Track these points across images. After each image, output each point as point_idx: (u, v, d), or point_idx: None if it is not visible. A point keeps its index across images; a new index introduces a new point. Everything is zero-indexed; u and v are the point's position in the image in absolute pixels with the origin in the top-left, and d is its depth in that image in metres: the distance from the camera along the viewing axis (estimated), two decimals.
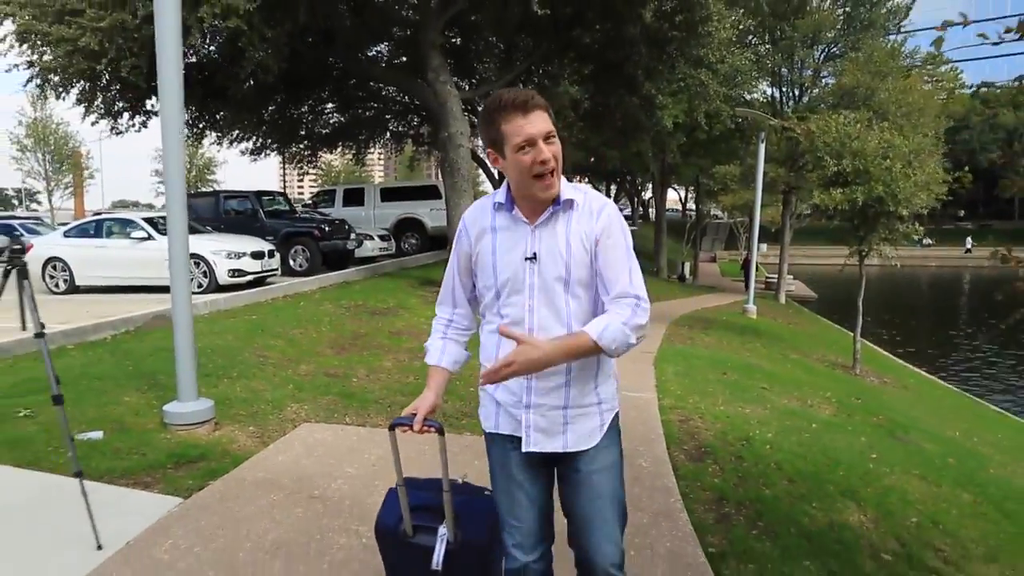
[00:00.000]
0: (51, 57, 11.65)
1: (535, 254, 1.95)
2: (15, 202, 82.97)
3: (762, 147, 16.82)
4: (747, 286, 19.66)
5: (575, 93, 16.87)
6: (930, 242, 49.66)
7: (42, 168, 39.45)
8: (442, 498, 2.12)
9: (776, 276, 26.99)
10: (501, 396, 2.04)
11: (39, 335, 3.36)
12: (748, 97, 24.61)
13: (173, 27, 4.84)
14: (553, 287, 1.94)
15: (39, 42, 12.22)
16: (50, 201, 41.20)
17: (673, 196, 52.85)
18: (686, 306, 18.28)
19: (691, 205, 44.80)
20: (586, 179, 48.25)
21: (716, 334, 13.08)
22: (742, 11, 18.22)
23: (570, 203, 1.96)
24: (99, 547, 3.16)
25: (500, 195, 2.02)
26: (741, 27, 15.07)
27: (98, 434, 4.64)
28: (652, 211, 49.93)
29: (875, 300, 32.62)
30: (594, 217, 1.96)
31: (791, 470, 5.16)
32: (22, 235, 25.87)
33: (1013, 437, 10.35)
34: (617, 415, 2.12)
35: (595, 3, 13.50)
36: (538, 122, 1.86)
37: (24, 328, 3.39)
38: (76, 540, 3.20)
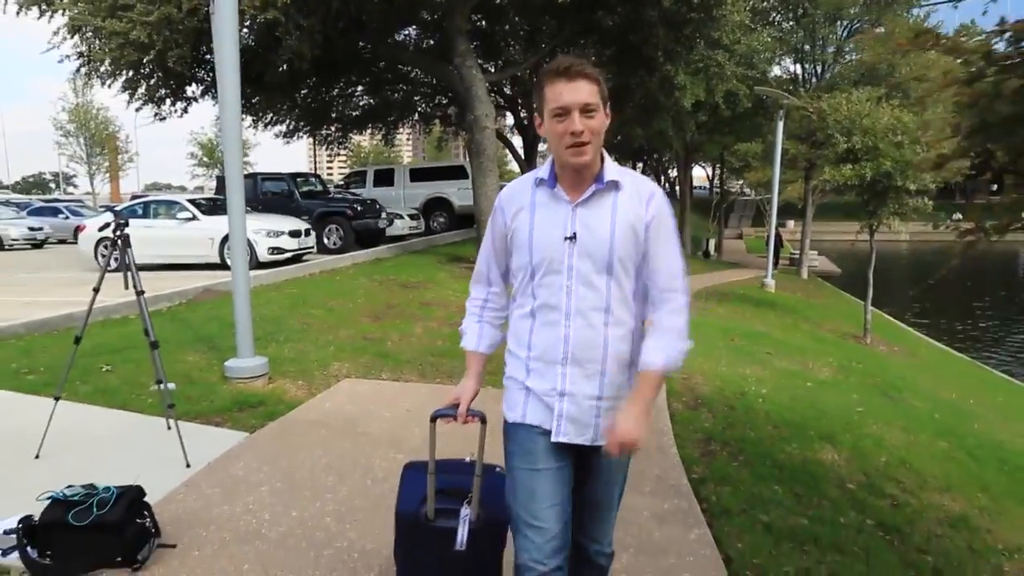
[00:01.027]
0: (103, 49, 12.41)
1: (575, 234, 1.87)
2: (52, 185, 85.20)
3: (780, 124, 17.18)
4: (771, 264, 20.07)
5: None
6: (959, 217, 49.18)
7: (83, 152, 40.87)
8: (459, 480, 2.18)
9: (798, 252, 27.27)
10: (535, 383, 1.96)
11: (140, 293, 4.07)
12: (771, 74, 24.82)
13: (230, 22, 5.53)
14: (593, 270, 1.87)
15: (91, 34, 13.06)
16: (91, 184, 42.73)
17: (701, 173, 52.96)
18: (706, 281, 18.77)
19: (718, 182, 44.88)
20: (613, 157, 48.56)
21: (731, 306, 13.62)
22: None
23: (615, 184, 1.90)
24: (188, 465, 3.91)
25: (543, 170, 1.96)
26: (757, 9, 15.36)
27: (172, 385, 5.38)
28: (688, 189, 50.07)
29: (903, 275, 32.69)
30: (643, 201, 1.90)
31: (778, 418, 5.78)
32: (68, 217, 27.06)
33: (1012, 401, 10.80)
34: None
35: None
36: (579, 92, 1.79)
37: (127, 288, 4.10)
38: (169, 460, 3.94)
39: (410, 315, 8.75)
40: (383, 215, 16.78)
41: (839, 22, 24.38)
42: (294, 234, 13.55)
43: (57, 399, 4.09)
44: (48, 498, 2.90)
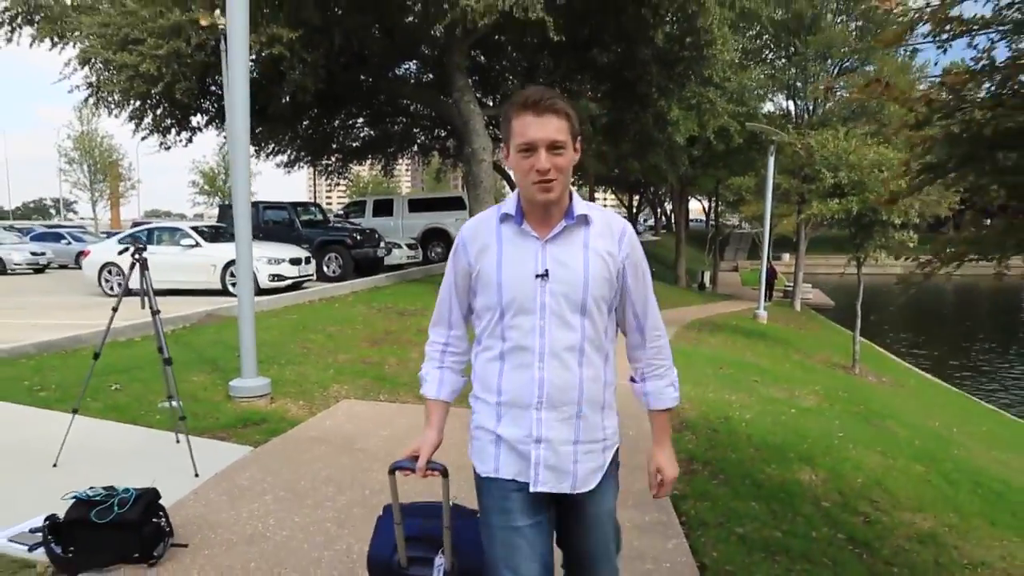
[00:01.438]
0: (114, 80, 12.80)
1: (547, 271, 1.79)
2: (52, 211, 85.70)
3: (771, 160, 17.61)
4: (763, 295, 20.39)
5: (593, 109, 17.84)
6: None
7: (87, 179, 41.42)
8: (434, 526, 2.09)
9: (792, 284, 27.62)
10: (507, 431, 1.85)
11: (155, 313, 4.34)
12: (764, 110, 25.40)
13: (241, 61, 5.86)
14: (566, 308, 1.80)
15: (101, 66, 13.47)
16: (94, 211, 43.18)
17: (698, 207, 53.55)
18: (700, 312, 19.05)
19: (714, 216, 45.43)
20: (610, 190, 49.23)
21: (722, 336, 13.88)
22: (748, 34, 19.14)
23: (585, 219, 1.84)
24: (196, 475, 4.14)
25: (509, 204, 1.87)
26: (747, 49, 15.89)
27: (176, 403, 5.63)
28: (683, 222, 50.64)
29: (899, 309, 32.92)
30: (615, 237, 1.85)
31: (759, 441, 6.02)
32: (70, 242, 27.34)
33: (997, 431, 11.03)
34: (618, 451, 2.00)
35: (609, 26, 14.52)
36: (546, 128, 1.72)
37: (143, 308, 4.37)
38: (178, 471, 4.17)
39: (407, 341, 9.00)
40: (382, 244, 17.08)
41: (829, 60, 25.02)
42: (295, 262, 13.83)
43: (75, 411, 4.34)
44: (72, 498, 3.14)
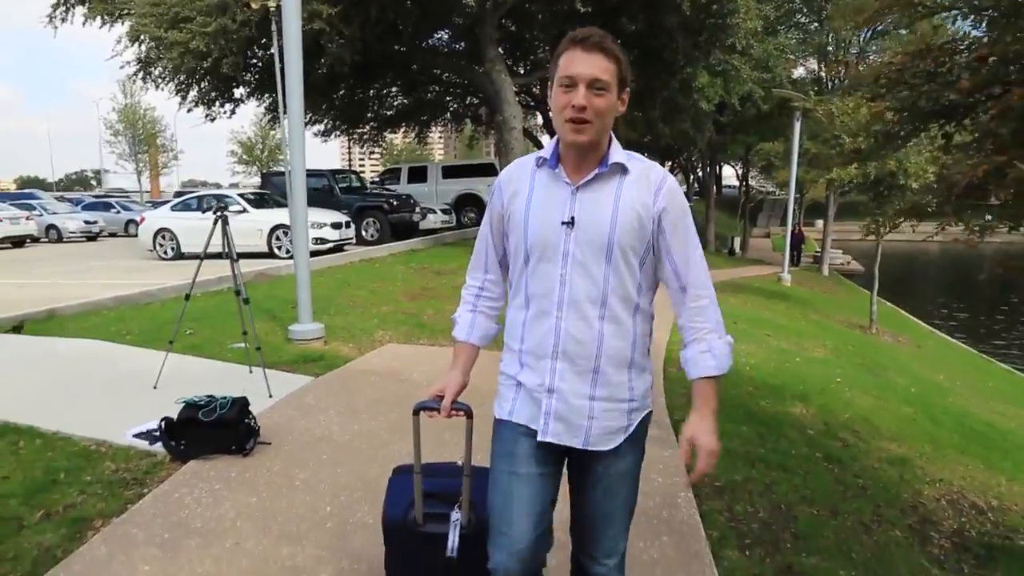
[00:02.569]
0: (165, 57, 13.62)
1: (573, 218, 1.74)
2: (93, 182, 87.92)
3: (797, 125, 17.93)
4: (787, 258, 20.81)
5: None
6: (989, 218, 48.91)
7: (131, 150, 42.88)
8: (448, 483, 2.07)
9: (821, 250, 27.89)
10: (526, 378, 1.84)
11: (235, 260, 5.13)
12: (796, 75, 25.47)
13: (295, 40, 6.58)
14: (591, 257, 1.74)
15: (152, 43, 14.30)
16: (139, 181, 44.71)
17: (732, 172, 53.38)
18: (726, 275, 19.54)
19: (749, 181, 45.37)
20: (643, 155, 49.18)
21: (744, 296, 14.45)
22: (770, 4, 19.35)
23: (620, 167, 1.77)
24: (270, 395, 4.96)
25: (547, 149, 1.83)
26: (772, 17, 16.17)
27: (243, 344, 6.47)
28: (714, 188, 50.58)
29: (936, 277, 32.80)
30: (652, 188, 1.77)
31: (759, 382, 6.69)
32: (119, 211, 28.51)
33: (1004, 387, 11.51)
34: (648, 416, 1.93)
35: None
36: (592, 65, 1.66)
37: (224, 256, 5.16)
38: (255, 393, 4.96)
39: (443, 296, 9.77)
40: (417, 209, 17.84)
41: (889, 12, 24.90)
42: (336, 226, 14.67)
43: (171, 343, 5.21)
44: (183, 402, 3.96)
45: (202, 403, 3.93)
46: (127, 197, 38.12)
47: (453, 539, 2.01)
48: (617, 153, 1.78)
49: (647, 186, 1.77)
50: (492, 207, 1.94)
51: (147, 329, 7.09)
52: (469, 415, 1.94)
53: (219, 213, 5.25)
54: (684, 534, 3.40)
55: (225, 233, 5.22)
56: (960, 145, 3.73)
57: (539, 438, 1.81)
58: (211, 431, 3.88)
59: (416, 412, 1.97)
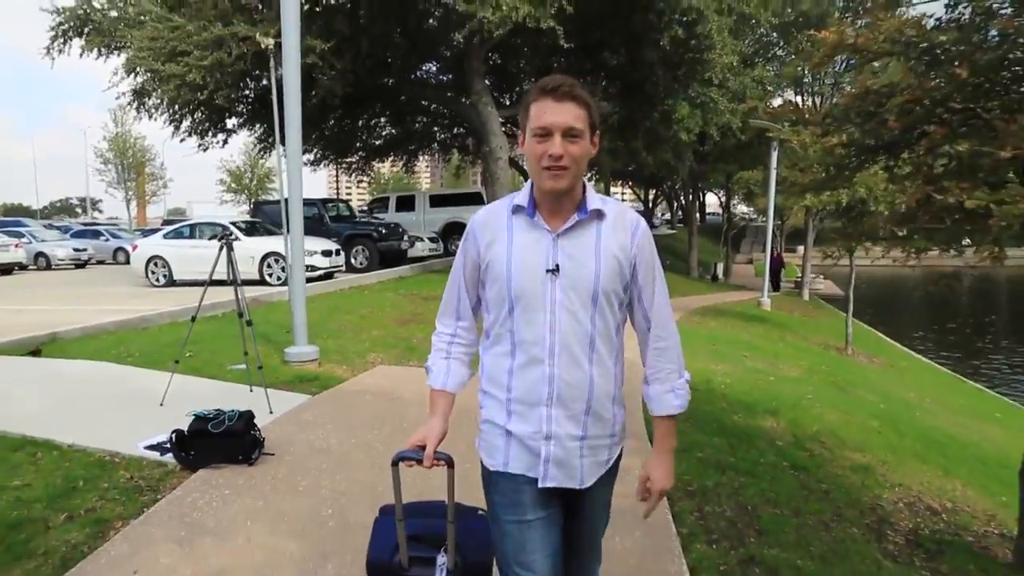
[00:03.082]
0: (162, 88, 14.02)
1: (557, 266, 1.77)
2: (78, 210, 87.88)
3: (774, 154, 18.50)
4: (769, 283, 21.30)
5: (605, 107, 18.89)
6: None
7: (121, 178, 43.17)
8: (434, 524, 2.07)
9: (801, 275, 28.47)
10: (517, 427, 1.85)
11: (238, 285, 5.45)
12: (776, 103, 26.19)
13: (294, 80, 6.97)
14: (578, 303, 1.78)
15: (148, 74, 14.70)
16: (128, 209, 44.91)
17: (716, 200, 54.26)
18: (708, 300, 20.01)
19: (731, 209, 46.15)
20: (627, 184, 50.20)
21: (723, 320, 14.87)
22: (758, 31, 20.08)
23: (599, 213, 1.81)
24: (271, 412, 5.27)
25: (521, 196, 1.84)
26: (746, 53, 16.83)
27: (243, 366, 6.77)
28: (696, 215, 51.38)
29: (926, 300, 33.15)
30: (628, 231, 1.83)
31: (733, 399, 7.05)
32: (108, 239, 28.67)
33: (972, 405, 11.92)
34: (621, 451, 2.01)
35: (618, 30, 15.53)
36: (564, 114, 1.71)
37: (228, 281, 5.48)
38: (256, 410, 5.24)
39: (432, 321, 9.87)
40: (405, 238, 18.21)
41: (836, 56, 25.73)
42: (326, 253, 15.00)
43: (177, 362, 5.52)
44: (193, 415, 4.26)
45: (211, 416, 4.24)
46: (115, 225, 38.32)
47: None
48: (594, 199, 1.81)
49: (623, 230, 1.82)
50: (466, 253, 1.92)
51: (147, 351, 7.37)
52: (451, 465, 1.91)
53: (224, 240, 5.57)
54: (656, 529, 3.73)
55: (230, 260, 5.54)
56: (901, 176, 4.14)
57: (540, 484, 1.83)
58: (219, 441, 4.18)
59: (395, 463, 1.91)
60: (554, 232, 1.78)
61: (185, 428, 4.24)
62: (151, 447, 4.40)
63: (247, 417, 4.32)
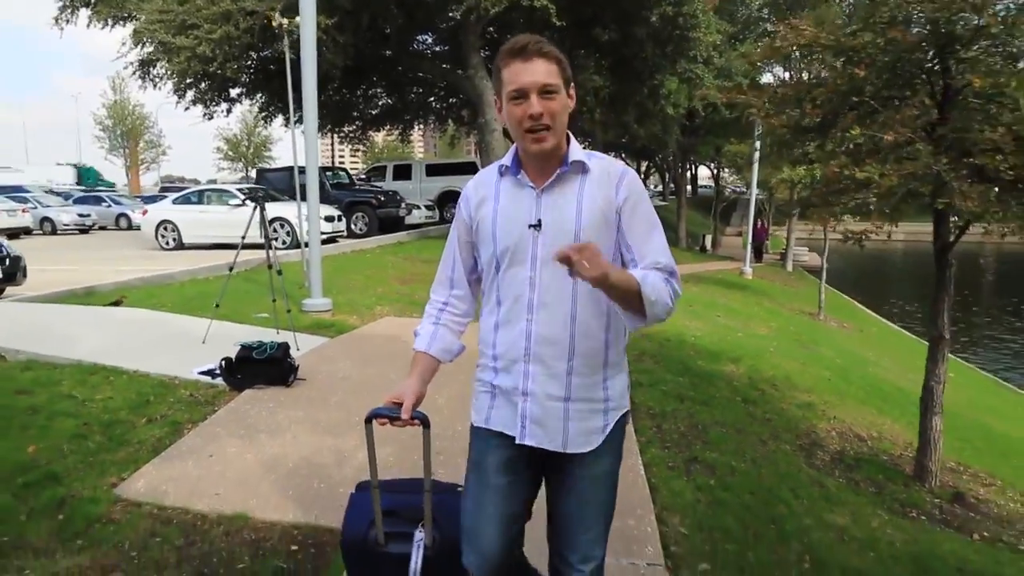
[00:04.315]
0: (171, 60, 14.67)
1: (539, 221, 1.77)
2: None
3: (758, 129, 19.28)
4: (749, 253, 22.22)
5: (597, 81, 19.61)
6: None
7: (120, 145, 43.69)
8: (412, 500, 2.01)
9: (786, 248, 29.40)
10: (502, 380, 1.84)
11: (269, 240, 6.28)
12: (766, 79, 26.88)
13: (311, 59, 7.74)
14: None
15: (157, 46, 15.33)
16: (127, 175, 45.49)
17: (708, 173, 55.00)
18: (692, 268, 20.86)
19: (722, 181, 46.89)
20: (621, 156, 50.86)
21: (704, 286, 15.77)
22: (752, 4, 20.79)
23: (581, 165, 1.78)
24: (298, 349, 6.12)
25: (508, 157, 1.84)
26: (731, 32, 17.58)
27: (266, 314, 7.63)
28: (686, 187, 52.07)
29: (901, 275, 34.05)
30: (612, 183, 1.78)
31: (701, 348, 7.95)
32: (110, 205, 29.24)
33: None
34: (626, 416, 1.92)
35: (609, 7, 16.24)
36: (536, 72, 1.68)
37: (263, 238, 6.30)
38: None
39: (432, 279, 10.93)
40: (403, 205, 18.99)
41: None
42: (328, 219, 15.76)
43: (217, 305, 6.37)
44: (240, 344, 5.12)
45: (255, 345, 5.11)
46: (114, 190, 38.86)
47: (416, 560, 1.95)
48: (577, 152, 1.78)
49: (608, 182, 1.77)
50: (459, 218, 1.94)
51: (177, 302, 8.20)
52: (426, 424, 1.84)
53: (257, 200, 6.38)
54: None
55: (263, 219, 6.36)
56: (826, 155, 4.98)
57: (517, 441, 1.80)
58: (262, 367, 5.05)
59: (369, 420, 1.83)
60: (537, 188, 1.79)
61: (233, 356, 5.10)
62: (203, 372, 5.27)
63: (284, 347, 5.19)
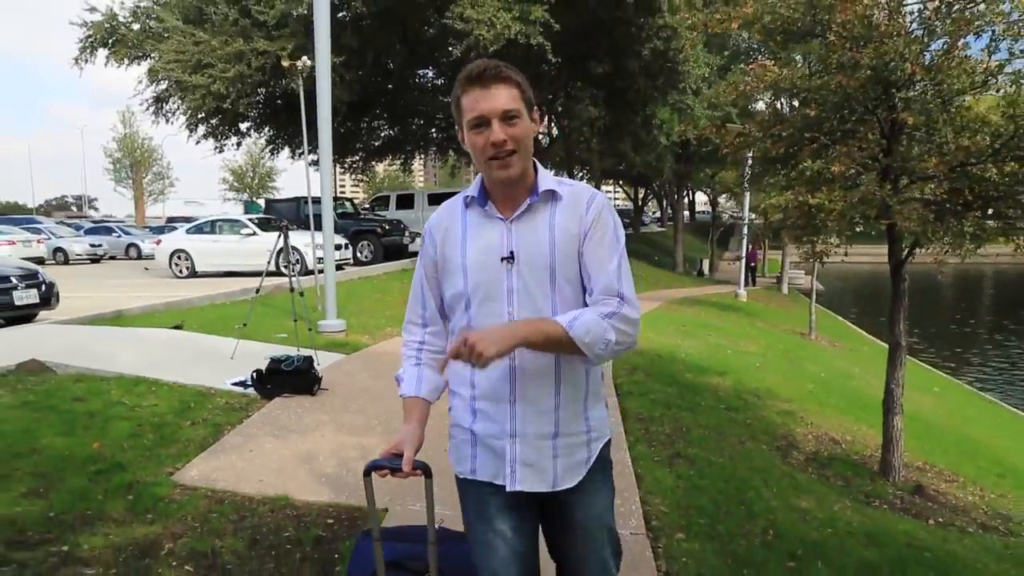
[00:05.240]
0: (187, 97, 15.46)
1: (512, 253, 1.68)
2: (74, 208, 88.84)
3: (749, 157, 19.99)
4: (745, 276, 22.85)
5: (592, 112, 20.44)
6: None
7: (130, 177, 44.65)
8: (418, 550, 1.93)
9: (781, 271, 30.04)
10: (481, 427, 1.76)
11: (290, 265, 6.88)
12: (755, 108, 27.74)
13: (326, 98, 8.41)
14: (536, 289, 1.68)
15: (172, 84, 16.14)
16: (136, 207, 46.38)
17: (705, 198, 55.86)
18: (688, 292, 21.51)
19: (719, 208, 47.67)
20: (619, 183, 51.73)
21: (699, 308, 16.36)
22: (744, 35, 21.63)
23: (551, 194, 1.70)
24: (318, 364, 6.69)
25: (473, 187, 1.77)
26: (716, 65, 18.38)
27: (284, 335, 8.21)
28: (683, 213, 52.82)
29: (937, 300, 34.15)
30: (583, 208, 1.70)
31: (690, 363, 8.51)
32: (120, 235, 29.91)
33: (918, 382, 13.37)
34: (608, 444, 1.87)
35: (602, 42, 17.05)
36: (497, 98, 1.61)
37: (286, 262, 6.89)
38: None
39: None
40: (407, 233, 19.64)
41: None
42: (336, 247, 16.35)
43: (244, 324, 6.95)
44: (270, 358, 5.70)
45: (283, 359, 5.69)
46: (121, 222, 39.62)
47: None
48: (546, 180, 1.72)
49: (577, 207, 1.71)
50: (424, 254, 1.86)
51: (202, 324, 8.79)
52: (428, 474, 1.76)
53: (282, 227, 6.98)
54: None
55: (286, 245, 6.96)
56: (793, 182, 5.60)
57: (508, 489, 1.73)
58: (290, 377, 5.63)
59: (367, 473, 1.76)
60: (507, 219, 1.72)
61: (263, 368, 5.68)
62: (236, 383, 5.83)
63: (309, 360, 5.77)
